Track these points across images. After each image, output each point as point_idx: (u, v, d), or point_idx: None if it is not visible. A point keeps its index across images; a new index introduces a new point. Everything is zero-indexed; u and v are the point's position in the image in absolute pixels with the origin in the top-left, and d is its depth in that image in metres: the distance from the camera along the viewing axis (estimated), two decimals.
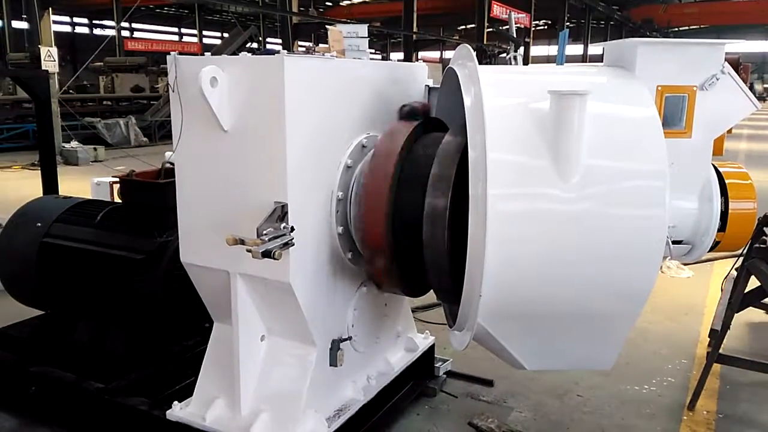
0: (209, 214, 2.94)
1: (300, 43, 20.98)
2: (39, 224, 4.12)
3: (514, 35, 3.69)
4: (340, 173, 3.01)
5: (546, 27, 42.04)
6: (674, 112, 2.85)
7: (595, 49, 33.10)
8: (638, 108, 2.69)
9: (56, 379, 3.66)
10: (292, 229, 2.66)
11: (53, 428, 3.68)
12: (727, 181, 3.02)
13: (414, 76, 3.53)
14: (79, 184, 9.28)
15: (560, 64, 4.44)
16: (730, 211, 2.99)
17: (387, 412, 3.62)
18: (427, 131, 3.04)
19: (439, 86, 3.40)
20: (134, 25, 40.41)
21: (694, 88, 2.85)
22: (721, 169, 3.05)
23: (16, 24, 26.60)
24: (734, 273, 4.32)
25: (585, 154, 2.45)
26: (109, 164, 13.79)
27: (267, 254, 2.48)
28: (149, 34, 41.94)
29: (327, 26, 3.65)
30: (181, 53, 2.90)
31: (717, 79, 2.84)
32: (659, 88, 2.82)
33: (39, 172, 6.50)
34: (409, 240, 2.82)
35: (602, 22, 41.41)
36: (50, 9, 15.83)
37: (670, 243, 2.76)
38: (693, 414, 3.91)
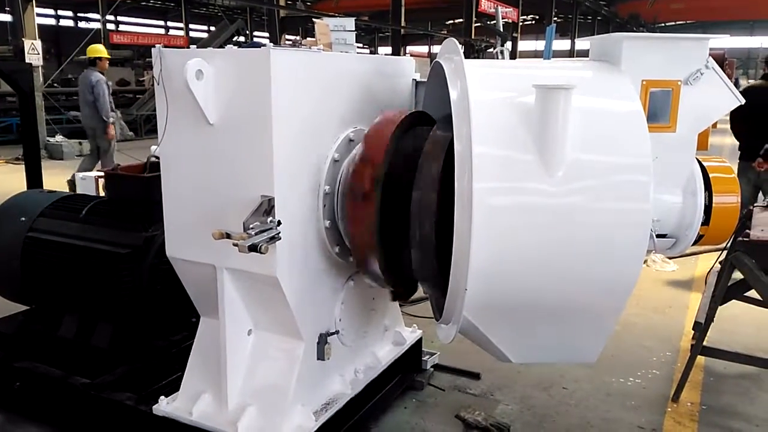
0: (195, 208, 2.93)
1: (287, 36, 20.90)
2: (23, 219, 4.08)
3: (501, 29, 3.70)
4: (327, 167, 3.00)
5: (533, 22, 42.09)
6: (659, 106, 2.87)
7: (582, 44, 33.22)
8: (623, 102, 2.71)
9: (42, 374, 3.63)
10: (279, 223, 2.65)
11: (39, 424, 3.65)
12: (710, 175, 3.04)
13: (401, 70, 3.53)
14: (64, 178, 9.21)
15: (547, 58, 4.47)
16: (713, 205, 3.01)
17: (374, 405, 3.63)
18: (414, 125, 3.04)
19: (426, 80, 3.40)
20: (120, 18, 39.97)
21: (679, 83, 2.87)
22: (705, 164, 3.08)
23: None
24: (718, 266, 4.37)
25: (570, 148, 2.47)
26: None
27: (253, 248, 2.47)
28: (135, 27, 41.50)
29: (314, 20, 3.63)
30: (167, 46, 2.88)
31: (701, 74, 2.86)
32: (644, 82, 2.84)
33: (23, 166, 6.43)
34: (397, 234, 2.82)
35: (589, 18, 41.54)
36: (34, 1, 15.62)
37: (655, 236, 2.79)
38: (677, 406, 3.96)
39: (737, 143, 6.55)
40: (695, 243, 3.08)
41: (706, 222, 3.01)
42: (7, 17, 20.61)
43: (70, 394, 3.51)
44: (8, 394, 3.74)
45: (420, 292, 3.31)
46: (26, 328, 4.14)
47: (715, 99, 2.93)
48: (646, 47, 2.87)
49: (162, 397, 3.20)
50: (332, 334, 3.21)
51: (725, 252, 4.11)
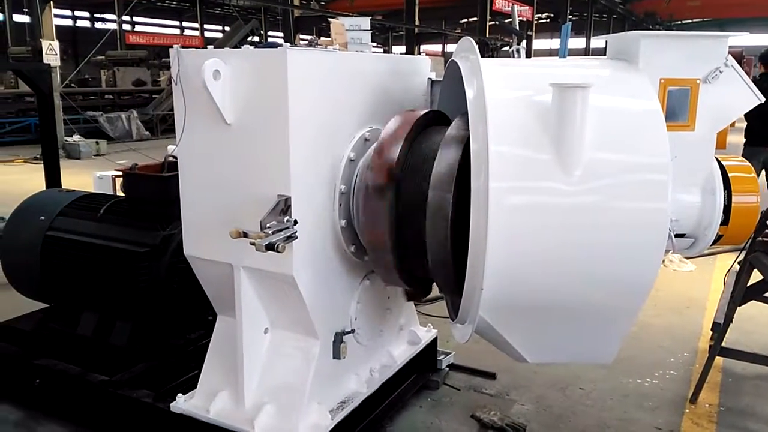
0: (212, 208, 2.95)
1: (302, 36, 20.96)
2: (42, 217, 4.13)
3: (517, 27, 3.68)
4: (343, 166, 3.01)
5: (548, 20, 41.84)
6: (677, 105, 2.84)
7: (597, 42, 32.96)
8: (641, 101, 2.68)
9: (60, 371, 3.68)
10: (296, 222, 2.66)
11: (58, 421, 3.70)
12: (730, 175, 3.00)
13: (417, 69, 3.53)
14: (82, 177, 9.31)
15: (563, 57, 4.42)
16: (732, 204, 2.97)
17: (390, 404, 3.63)
18: (430, 124, 3.04)
19: (441, 79, 3.39)
20: (135, 19, 40.30)
21: (698, 81, 2.83)
22: (724, 163, 3.04)
23: (18, 17, 26.54)
24: (737, 267, 4.32)
25: (587, 147, 2.45)
26: (112, 158, 13.78)
27: (270, 247, 2.49)
28: (151, 27, 41.82)
29: (330, 19, 3.64)
30: (182, 47, 2.90)
31: (720, 72, 2.82)
32: (662, 80, 2.81)
33: (41, 165, 6.50)
34: (412, 233, 2.82)
35: (605, 16, 41.18)
36: (51, 2, 15.78)
37: (673, 236, 2.76)
38: (695, 407, 3.92)
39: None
40: (714, 243, 3.04)
41: (725, 222, 2.98)
42: (25, 18, 20.88)
43: (89, 391, 3.55)
44: (28, 391, 3.79)
45: (435, 291, 3.31)
46: (45, 325, 4.19)
47: (734, 97, 2.89)
48: (665, 45, 2.84)
49: (179, 395, 3.22)
50: (348, 333, 3.21)
51: (744, 252, 4.06)
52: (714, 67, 2.83)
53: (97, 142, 15.98)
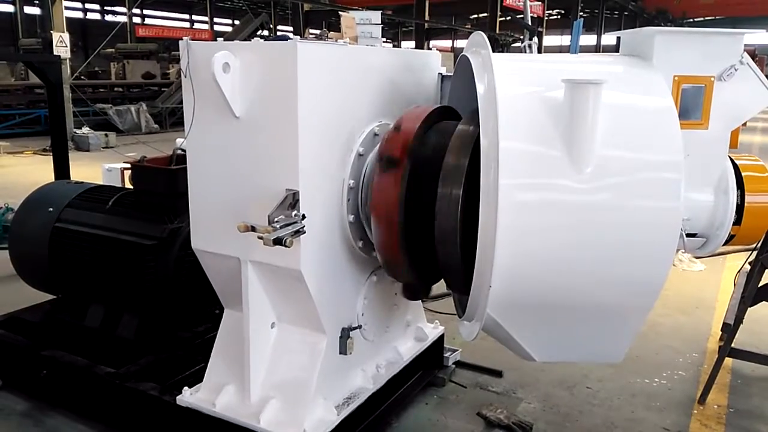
0: (221, 201, 2.94)
1: (311, 30, 20.93)
2: (51, 209, 4.14)
3: (529, 23, 3.65)
4: (352, 161, 2.99)
5: (559, 17, 41.62)
6: (691, 102, 2.81)
7: (608, 39, 32.78)
8: (654, 98, 2.65)
9: (67, 363, 3.68)
10: (304, 216, 2.65)
11: (64, 412, 3.71)
12: (743, 174, 2.97)
13: (427, 64, 3.50)
14: (91, 169, 9.34)
15: (574, 53, 4.39)
16: (746, 204, 2.94)
17: (396, 400, 3.62)
18: (440, 119, 3.01)
19: (451, 74, 3.36)
20: (145, 12, 40.35)
21: (712, 79, 2.80)
22: (737, 162, 3.01)
23: (29, 9, 26.67)
24: (748, 267, 4.28)
25: (599, 144, 2.42)
26: (120, 150, 13.83)
27: (278, 242, 2.47)
28: (160, 20, 41.90)
29: (340, 13, 3.62)
30: (192, 40, 2.88)
31: (735, 70, 2.79)
32: (676, 77, 2.78)
33: (51, 157, 6.52)
34: (421, 230, 2.80)
35: (616, 13, 40.96)
36: None
37: (684, 236, 2.73)
38: (703, 408, 3.89)
39: (767, 142, 6.85)
40: (726, 243, 3.01)
41: (737, 221, 2.95)
42: (36, 10, 20.95)
43: (95, 382, 3.56)
44: (35, 382, 3.80)
45: (442, 287, 3.29)
46: (53, 317, 4.20)
47: (749, 95, 2.86)
48: (679, 42, 2.81)
49: (186, 388, 3.22)
50: (355, 328, 3.20)
51: (755, 252, 4.02)
52: (729, 64, 2.79)
53: (106, 135, 16.02)
